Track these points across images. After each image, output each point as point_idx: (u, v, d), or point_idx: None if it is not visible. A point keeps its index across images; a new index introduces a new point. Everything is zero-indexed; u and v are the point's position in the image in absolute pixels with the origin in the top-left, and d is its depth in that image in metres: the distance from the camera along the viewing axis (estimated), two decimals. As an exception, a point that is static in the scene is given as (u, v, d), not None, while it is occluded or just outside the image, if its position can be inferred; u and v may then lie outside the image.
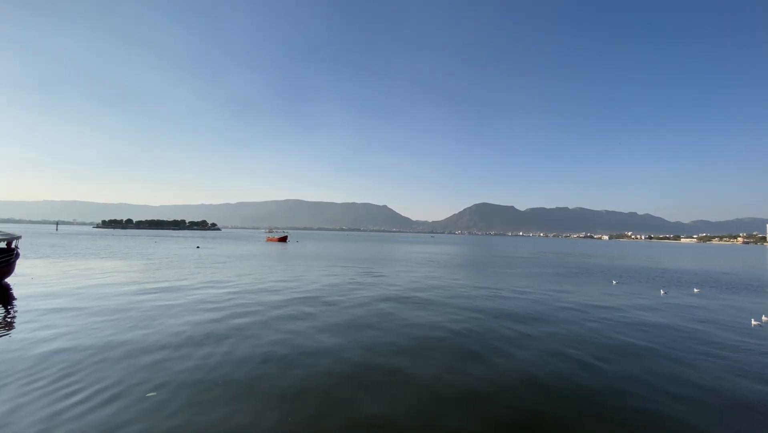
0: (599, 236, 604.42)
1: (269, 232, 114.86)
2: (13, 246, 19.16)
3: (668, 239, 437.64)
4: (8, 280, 18.35)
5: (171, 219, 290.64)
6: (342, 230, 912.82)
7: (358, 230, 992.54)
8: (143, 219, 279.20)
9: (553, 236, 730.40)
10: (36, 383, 7.03)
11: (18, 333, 10.17)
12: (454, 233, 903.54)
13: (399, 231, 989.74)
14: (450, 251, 64.09)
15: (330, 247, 65.11)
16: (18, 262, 20.31)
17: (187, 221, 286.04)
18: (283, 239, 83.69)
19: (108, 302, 14.38)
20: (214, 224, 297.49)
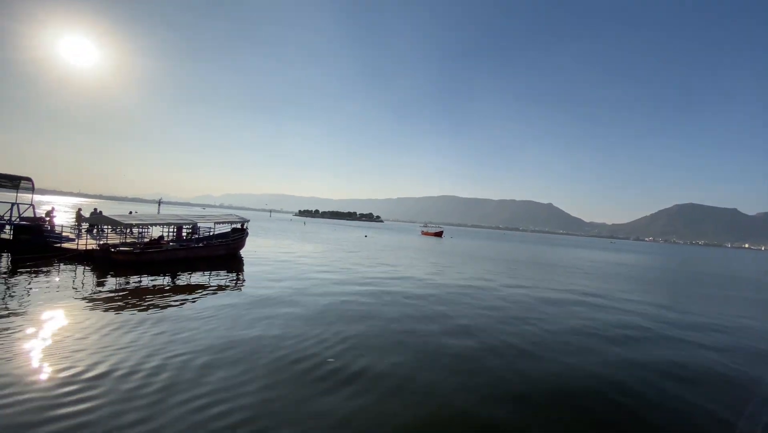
0: None
1: (425, 226, 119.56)
2: (244, 227, 25.60)
3: None
4: (242, 252, 24.67)
5: (346, 211, 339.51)
6: (498, 228, 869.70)
7: (516, 229, 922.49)
8: (326, 210, 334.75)
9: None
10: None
11: (260, 283, 13.59)
12: (643, 240, 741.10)
13: (567, 233, 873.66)
14: (637, 260, 52.74)
15: (485, 246, 63.07)
16: (247, 240, 27.06)
17: (357, 213, 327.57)
18: (439, 234, 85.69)
19: (309, 282, 17.61)
20: (378, 217, 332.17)
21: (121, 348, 7.54)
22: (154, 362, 7.02)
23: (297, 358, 7.69)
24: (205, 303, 11.43)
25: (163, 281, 14.36)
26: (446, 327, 10.69)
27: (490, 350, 9.07)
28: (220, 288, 13.67)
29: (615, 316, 13.88)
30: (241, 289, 13.85)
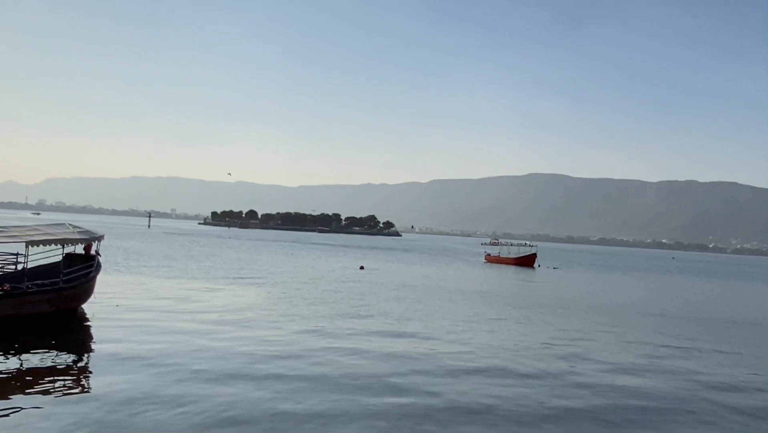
0: None
1: (491, 243, 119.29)
2: (93, 252, 25.22)
3: None
4: (85, 306, 24.17)
5: (317, 212, 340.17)
6: (661, 245, 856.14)
7: (704, 248, 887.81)
8: (273, 211, 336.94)
9: None
10: None
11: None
12: None
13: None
14: None
15: (642, 285, 62.79)
16: (98, 278, 26.51)
17: (343, 217, 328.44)
18: (527, 261, 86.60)
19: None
20: (389, 224, 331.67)
21: None
22: None
23: None
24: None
25: None
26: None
27: None
28: (45, 399, 12.70)
29: None
30: (83, 409, 12.56)
